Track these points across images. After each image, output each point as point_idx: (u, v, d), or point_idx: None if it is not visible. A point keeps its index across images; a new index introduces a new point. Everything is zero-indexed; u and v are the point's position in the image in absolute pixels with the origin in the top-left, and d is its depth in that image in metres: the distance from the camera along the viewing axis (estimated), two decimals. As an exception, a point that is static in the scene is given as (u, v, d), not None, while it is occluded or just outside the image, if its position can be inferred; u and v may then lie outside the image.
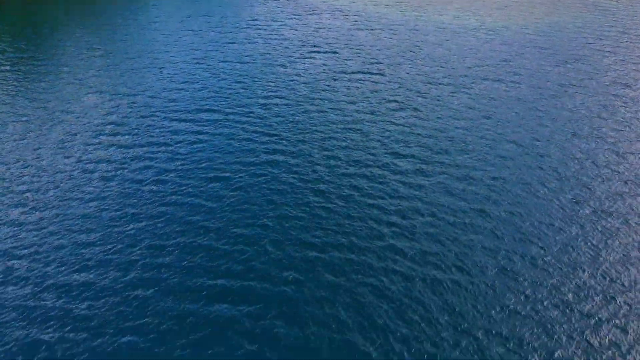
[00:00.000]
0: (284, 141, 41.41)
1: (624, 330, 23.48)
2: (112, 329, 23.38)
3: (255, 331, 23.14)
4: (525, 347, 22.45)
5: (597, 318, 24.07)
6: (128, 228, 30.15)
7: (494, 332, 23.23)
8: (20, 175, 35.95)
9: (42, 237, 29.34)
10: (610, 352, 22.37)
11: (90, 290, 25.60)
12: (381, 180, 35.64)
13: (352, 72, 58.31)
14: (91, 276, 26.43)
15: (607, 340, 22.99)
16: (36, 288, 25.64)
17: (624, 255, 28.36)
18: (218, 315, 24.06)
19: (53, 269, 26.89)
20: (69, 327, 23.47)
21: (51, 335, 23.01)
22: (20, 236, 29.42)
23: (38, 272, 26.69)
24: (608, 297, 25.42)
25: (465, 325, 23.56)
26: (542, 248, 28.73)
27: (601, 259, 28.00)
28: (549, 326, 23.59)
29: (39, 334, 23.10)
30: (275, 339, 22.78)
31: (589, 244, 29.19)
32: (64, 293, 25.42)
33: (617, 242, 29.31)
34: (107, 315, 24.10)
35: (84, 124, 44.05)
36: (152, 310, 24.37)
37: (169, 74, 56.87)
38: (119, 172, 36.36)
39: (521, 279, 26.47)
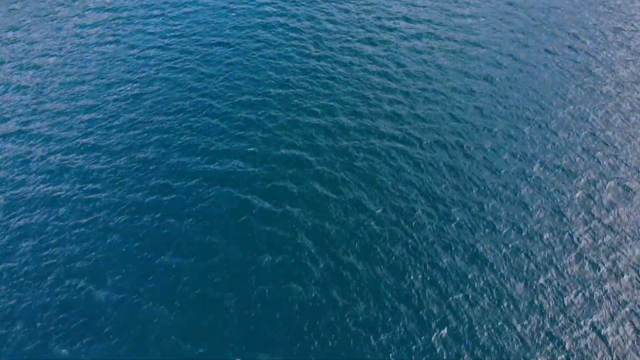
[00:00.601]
0: (282, 2, 39.20)
1: (604, 179, 24.39)
2: (121, 187, 24.19)
3: (261, 189, 23.96)
4: (521, 207, 23.45)
5: (586, 176, 24.77)
6: (127, 95, 29.77)
7: (493, 194, 24.07)
8: (13, 40, 34.63)
9: (41, 100, 29.10)
10: (590, 200, 23.44)
11: (97, 152, 26.01)
12: (387, 46, 34.39)
13: None
14: (96, 139, 26.69)
15: (591, 191, 23.98)
16: (44, 151, 26.06)
17: (619, 117, 28.39)
18: (222, 175, 24.70)
19: (58, 134, 27.08)
20: (82, 185, 24.26)
21: (67, 191, 23.88)
22: (23, 102, 29.19)
23: (43, 136, 26.93)
24: (596, 157, 25.93)
25: (462, 187, 24.34)
26: (544, 117, 28.66)
27: (597, 120, 28.06)
28: (547, 189, 24.41)
29: (56, 190, 23.97)
30: (284, 196, 23.67)
31: (587, 108, 29.03)
32: (72, 155, 25.89)
33: (613, 106, 29.15)
34: (116, 174, 24.74)
35: (70, -13, 41.36)
36: (158, 170, 24.99)
37: None
38: (113, 39, 34.96)
39: (526, 140, 26.78)
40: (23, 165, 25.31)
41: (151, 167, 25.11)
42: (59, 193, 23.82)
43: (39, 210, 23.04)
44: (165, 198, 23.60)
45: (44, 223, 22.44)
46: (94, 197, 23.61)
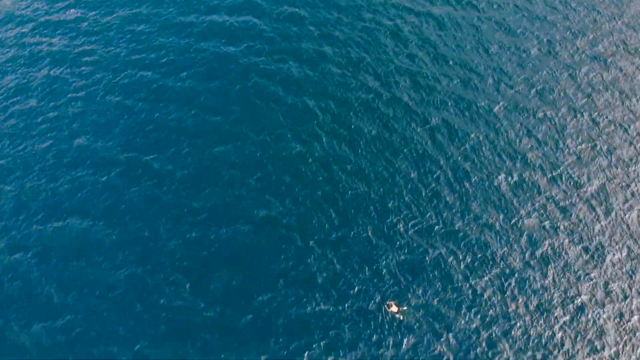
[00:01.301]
0: None
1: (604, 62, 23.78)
2: (115, 47, 23.35)
3: (260, 67, 22.97)
4: (514, 81, 22.96)
5: (582, 55, 23.86)
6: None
7: (494, 67, 23.41)
8: None
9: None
10: (591, 86, 22.98)
11: (89, 11, 24.74)
12: None
13: None
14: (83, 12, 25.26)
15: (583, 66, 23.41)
16: (36, 7, 24.82)
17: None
18: (220, 36, 23.70)
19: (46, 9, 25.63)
20: (77, 46, 23.45)
21: (62, 49, 23.04)
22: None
23: (35, 14, 25.48)
24: (594, 37, 24.89)
25: (468, 57, 23.56)
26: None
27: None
28: (554, 49, 23.73)
29: (51, 50, 23.19)
30: (285, 57, 23.03)
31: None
32: (63, 14, 24.68)
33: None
34: (109, 35, 23.82)
35: None
36: (152, 30, 23.95)
37: None
38: None
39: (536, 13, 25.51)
40: (18, 25, 24.28)
41: (140, 28, 23.98)
42: (55, 52, 23.07)
43: (38, 70, 22.52)
44: (163, 60, 22.87)
45: (43, 83, 22.02)
46: (91, 60, 22.92)
